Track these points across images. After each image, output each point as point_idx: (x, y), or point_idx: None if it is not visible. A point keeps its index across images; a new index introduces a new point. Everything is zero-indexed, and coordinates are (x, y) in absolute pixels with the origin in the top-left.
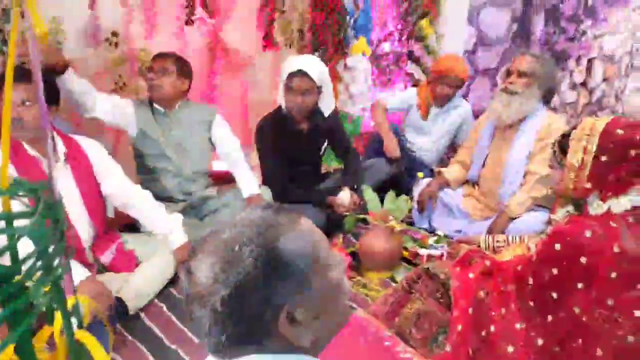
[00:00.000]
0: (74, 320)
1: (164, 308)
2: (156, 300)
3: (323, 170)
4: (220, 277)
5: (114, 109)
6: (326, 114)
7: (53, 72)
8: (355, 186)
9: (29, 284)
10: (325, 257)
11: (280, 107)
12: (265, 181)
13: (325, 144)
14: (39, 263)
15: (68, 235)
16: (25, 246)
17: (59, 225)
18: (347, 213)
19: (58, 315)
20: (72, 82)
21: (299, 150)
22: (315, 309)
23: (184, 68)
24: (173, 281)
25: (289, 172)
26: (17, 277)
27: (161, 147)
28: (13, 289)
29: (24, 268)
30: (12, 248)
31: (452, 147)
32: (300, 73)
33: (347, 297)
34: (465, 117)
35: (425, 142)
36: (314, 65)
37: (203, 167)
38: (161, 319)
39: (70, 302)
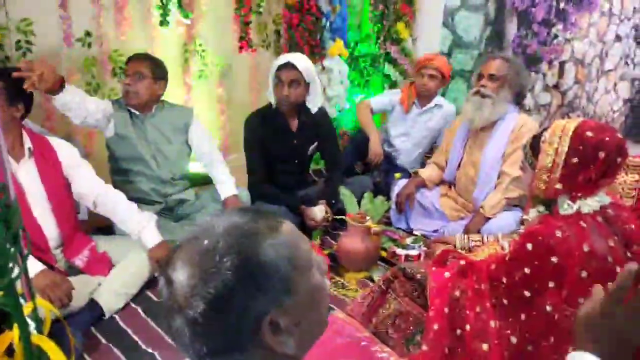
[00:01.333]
0: (32, 325)
1: (140, 310)
2: (132, 303)
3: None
4: (200, 289)
5: (96, 112)
6: (313, 111)
7: (51, 92)
8: (333, 202)
9: None
10: (307, 261)
11: (270, 104)
12: (248, 175)
13: (314, 146)
14: None
15: (25, 236)
16: None
17: (12, 228)
18: (315, 227)
19: (14, 322)
20: (68, 96)
21: (285, 149)
22: (298, 315)
23: (159, 71)
24: (149, 283)
25: (272, 170)
26: None
27: (138, 150)
28: None
29: None
30: None
31: (432, 150)
32: (288, 65)
33: (328, 299)
34: (449, 119)
35: (406, 144)
36: (301, 60)
37: (181, 171)
38: (137, 321)
39: (29, 307)
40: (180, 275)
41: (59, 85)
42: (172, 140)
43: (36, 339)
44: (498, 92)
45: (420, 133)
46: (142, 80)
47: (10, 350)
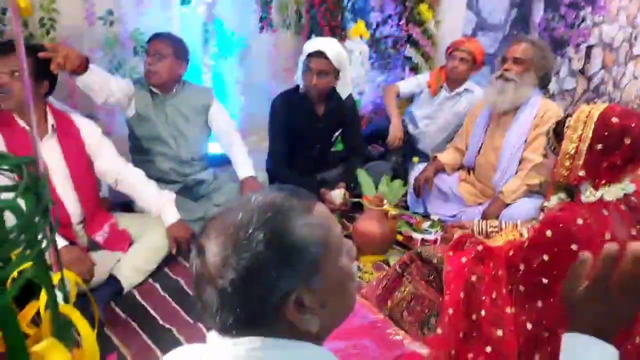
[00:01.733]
0: (59, 295)
1: (158, 287)
2: (150, 280)
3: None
4: (231, 260)
5: (118, 92)
6: (343, 97)
7: (76, 73)
8: (352, 185)
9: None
10: (337, 244)
11: (297, 86)
12: (267, 158)
13: (338, 133)
14: (22, 237)
15: (53, 210)
16: (8, 221)
17: (42, 200)
18: (334, 211)
19: (43, 290)
20: (92, 77)
21: (310, 133)
22: (324, 295)
23: (180, 50)
24: (167, 260)
25: (295, 153)
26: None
27: (158, 130)
28: None
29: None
30: None
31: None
32: (319, 54)
33: (355, 284)
34: (475, 104)
35: (430, 127)
36: (333, 48)
37: (200, 151)
38: (155, 298)
39: (56, 277)
40: (214, 245)
41: (84, 66)
42: (192, 121)
43: (64, 308)
44: (522, 76)
45: (446, 117)
46: (164, 59)
47: (35, 321)
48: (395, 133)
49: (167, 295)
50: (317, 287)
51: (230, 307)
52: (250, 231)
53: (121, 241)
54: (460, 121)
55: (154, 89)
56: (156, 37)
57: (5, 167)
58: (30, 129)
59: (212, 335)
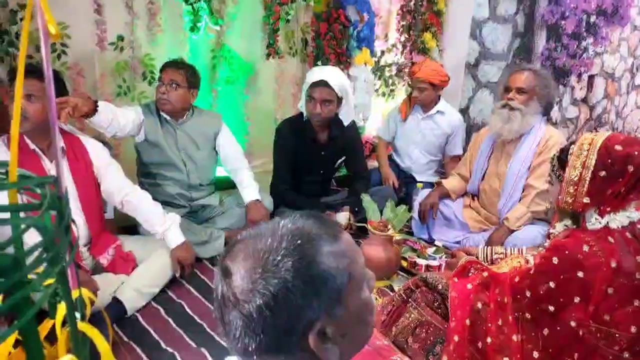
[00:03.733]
0: (77, 313)
1: (161, 311)
2: (153, 303)
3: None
4: (259, 285)
5: (127, 125)
6: (346, 124)
7: (86, 116)
8: (356, 209)
9: (32, 276)
10: (361, 275)
11: (301, 114)
12: (272, 183)
13: (342, 160)
14: (45, 255)
15: (72, 228)
16: (31, 240)
17: (64, 219)
18: None
19: (60, 308)
20: (101, 117)
21: (313, 160)
22: (346, 326)
23: (193, 79)
24: (171, 283)
25: (298, 179)
26: (21, 270)
27: (168, 156)
28: (16, 281)
29: (29, 260)
30: (18, 240)
31: (447, 161)
32: (322, 83)
33: (374, 315)
34: (454, 125)
35: (413, 151)
36: (335, 77)
37: (209, 177)
38: (158, 321)
39: (74, 294)
40: (241, 268)
41: (93, 109)
42: (202, 147)
43: (81, 326)
44: (527, 105)
45: (425, 139)
46: (178, 89)
47: (50, 338)
48: (386, 177)
49: (170, 319)
50: (340, 318)
51: (254, 332)
52: (279, 258)
53: (125, 264)
54: (440, 142)
55: (164, 115)
56: (170, 65)
57: (27, 187)
58: (45, 151)
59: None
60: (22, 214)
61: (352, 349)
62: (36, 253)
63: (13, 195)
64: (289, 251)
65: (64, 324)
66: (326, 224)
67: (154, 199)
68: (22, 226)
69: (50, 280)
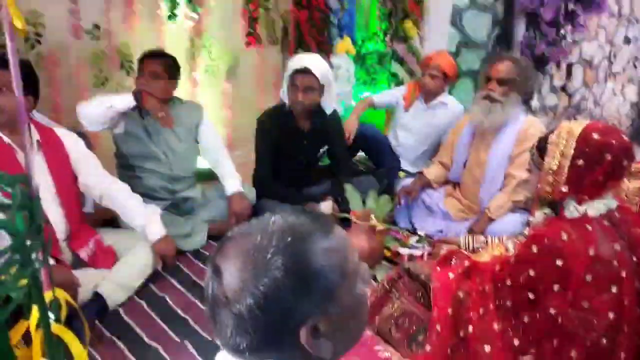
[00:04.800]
0: (50, 314)
1: (144, 305)
2: (136, 297)
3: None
4: (250, 284)
5: (104, 124)
6: (328, 112)
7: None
8: (339, 199)
9: (4, 277)
10: (354, 270)
11: (284, 103)
12: (254, 174)
13: (324, 149)
14: (16, 257)
15: (46, 227)
16: (2, 240)
17: (35, 219)
18: None
19: (35, 309)
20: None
21: (295, 149)
22: (339, 321)
23: (173, 70)
24: (153, 277)
25: (281, 169)
26: None
27: (148, 148)
28: None
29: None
30: None
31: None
32: (305, 71)
33: (367, 309)
34: (456, 118)
35: (408, 139)
36: (318, 64)
37: (190, 168)
38: (141, 315)
39: (47, 296)
40: (231, 267)
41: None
42: (183, 138)
43: (55, 328)
44: (507, 96)
45: (423, 130)
46: (158, 80)
47: (26, 339)
48: (346, 126)
49: (153, 313)
50: (333, 314)
51: (245, 330)
52: (269, 256)
53: (106, 258)
54: (438, 134)
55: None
56: (150, 56)
57: None
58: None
59: (222, 356)
60: None
61: (346, 343)
62: (6, 255)
63: None
64: (280, 249)
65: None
66: (318, 220)
67: (134, 191)
68: None
69: (24, 281)
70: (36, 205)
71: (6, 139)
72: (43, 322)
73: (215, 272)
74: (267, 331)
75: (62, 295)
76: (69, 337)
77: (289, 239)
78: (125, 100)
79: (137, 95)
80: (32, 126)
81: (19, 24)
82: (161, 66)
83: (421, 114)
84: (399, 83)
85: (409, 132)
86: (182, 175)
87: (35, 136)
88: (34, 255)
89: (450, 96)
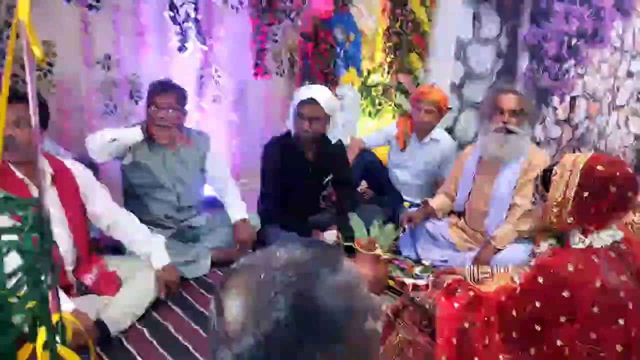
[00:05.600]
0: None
1: (146, 332)
2: (138, 324)
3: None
4: (251, 324)
5: (110, 155)
6: (333, 142)
7: None
8: (344, 228)
9: (12, 299)
10: (363, 308)
11: (289, 132)
12: (259, 201)
13: (329, 178)
14: (26, 278)
15: (56, 250)
16: (11, 261)
17: (46, 242)
18: None
19: (41, 331)
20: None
21: (301, 178)
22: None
23: (184, 100)
24: (155, 304)
25: (286, 197)
26: (2, 292)
27: (156, 178)
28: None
29: (10, 283)
30: None
31: (438, 184)
32: (311, 101)
33: (378, 344)
34: (448, 152)
35: (405, 176)
36: (324, 95)
37: (197, 197)
38: (143, 343)
39: (54, 318)
40: (233, 305)
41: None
42: (191, 168)
43: (62, 350)
44: (521, 127)
45: (418, 167)
46: (173, 112)
47: None
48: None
49: (154, 341)
50: (340, 353)
51: None
52: (272, 295)
53: (110, 284)
54: (433, 170)
55: (153, 136)
56: (163, 89)
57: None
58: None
59: None
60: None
61: None
62: (17, 277)
63: None
64: (283, 288)
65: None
66: (325, 254)
67: (140, 219)
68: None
69: (31, 304)
70: (47, 228)
71: (19, 175)
72: (49, 343)
73: (218, 307)
74: None
75: (69, 317)
76: (73, 358)
77: (294, 277)
78: (132, 134)
79: (146, 126)
80: (45, 160)
81: (37, 51)
82: (175, 98)
83: (415, 152)
84: (404, 114)
85: (405, 170)
86: (189, 205)
87: (49, 170)
88: (42, 277)
89: (441, 130)
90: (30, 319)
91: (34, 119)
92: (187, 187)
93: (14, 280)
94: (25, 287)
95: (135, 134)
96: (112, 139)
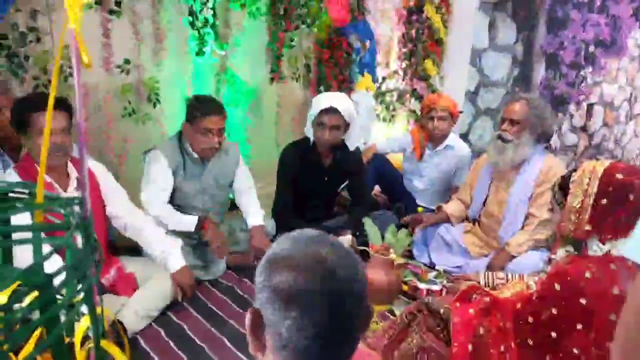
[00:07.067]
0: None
1: (162, 333)
2: (154, 325)
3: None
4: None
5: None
6: (352, 148)
7: None
8: (357, 233)
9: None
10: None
11: (307, 138)
12: (274, 205)
13: (344, 184)
14: (74, 273)
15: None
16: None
17: (90, 239)
18: None
19: (79, 327)
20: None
21: (316, 184)
22: None
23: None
24: (172, 305)
25: (300, 202)
26: (52, 287)
27: (186, 191)
28: (50, 297)
29: (59, 278)
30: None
31: (452, 190)
32: (331, 110)
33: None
34: (463, 160)
35: (420, 184)
36: (344, 103)
37: (223, 211)
38: (159, 343)
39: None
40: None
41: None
42: (223, 185)
43: (102, 343)
44: (520, 136)
45: (433, 174)
46: (221, 134)
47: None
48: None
49: (170, 341)
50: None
51: None
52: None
53: (127, 285)
54: (447, 177)
55: (192, 154)
56: (216, 112)
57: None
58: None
59: None
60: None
61: None
62: (64, 272)
63: (40, 216)
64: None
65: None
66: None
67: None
68: (47, 248)
69: (76, 298)
70: (90, 227)
71: (47, 178)
72: (94, 334)
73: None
74: None
75: (106, 312)
76: (115, 352)
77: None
78: (187, 224)
79: (203, 151)
80: (69, 163)
81: (86, 59)
82: (222, 119)
83: (431, 160)
84: (418, 119)
85: (420, 178)
86: (215, 221)
87: (74, 174)
88: (88, 272)
89: (456, 137)
90: (75, 312)
91: (82, 125)
92: (216, 203)
93: (60, 278)
94: (72, 282)
95: (189, 225)
96: (168, 230)
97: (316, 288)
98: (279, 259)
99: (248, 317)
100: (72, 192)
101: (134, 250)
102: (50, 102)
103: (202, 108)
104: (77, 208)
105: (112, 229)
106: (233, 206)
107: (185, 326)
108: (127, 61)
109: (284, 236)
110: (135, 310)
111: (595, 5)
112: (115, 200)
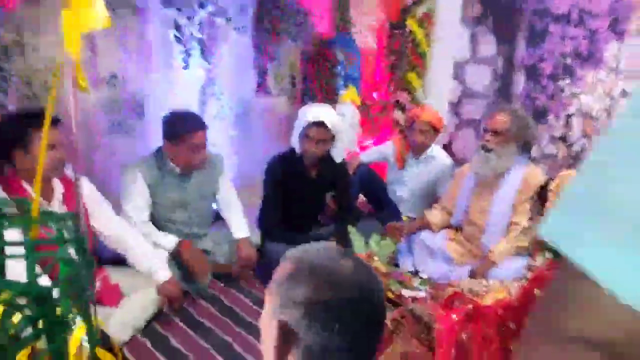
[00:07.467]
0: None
1: (148, 344)
2: (139, 336)
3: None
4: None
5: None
6: (338, 160)
7: None
8: (343, 241)
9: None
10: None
11: (293, 149)
12: (260, 216)
13: (331, 194)
14: (71, 287)
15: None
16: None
17: (86, 253)
18: None
19: (74, 335)
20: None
21: (303, 195)
22: None
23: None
24: (157, 316)
25: (287, 212)
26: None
27: (168, 204)
28: (50, 308)
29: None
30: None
31: (435, 200)
32: (319, 123)
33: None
34: (444, 170)
35: (403, 193)
36: (330, 116)
37: (207, 221)
38: (144, 354)
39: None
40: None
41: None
42: (206, 196)
43: (98, 351)
44: (502, 147)
45: (415, 183)
46: (204, 148)
47: None
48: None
49: (156, 352)
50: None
51: None
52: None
53: (112, 296)
54: (429, 186)
55: (172, 167)
56: (201, 127)
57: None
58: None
59: None
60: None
61: None
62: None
63: (36, 230)
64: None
65: None
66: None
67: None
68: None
69: (75, 309)
70: (85, 241)
71: (29, 190)
72: (90, 342)
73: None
74: None
75: (99, 322)
76: (109, 358)
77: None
78: (166, 244)
79: (186, 164)
80: (58, 180)
81: (84, 83)
82: (204, 134)
83: (412, 169)
84: (402, 130)
85: (403, 186)
86: (198, 232)
87: (60, 189)
88: (85, 285)
89: (437, 147)
90: (74, 321)
91: (76, 141)
92: (199, 216)
93: (58, 290)
94: (70, 294)
95: (167, 246)
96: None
97: (357, 299)
98: (316, 274)
99: (272, 333)
100: (56, 206)
101: (119, 260)
102: (47, 118)
103: (186, 125)
104: (70, 223)
105: (97, 239)
106: (217, 217)
107: (170, 336)
108: (114, 76)
109: (300, 250)
110: (121, 320)
111: (573, 19)
112: (100, 214)
